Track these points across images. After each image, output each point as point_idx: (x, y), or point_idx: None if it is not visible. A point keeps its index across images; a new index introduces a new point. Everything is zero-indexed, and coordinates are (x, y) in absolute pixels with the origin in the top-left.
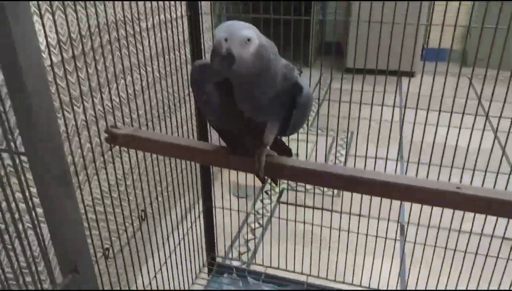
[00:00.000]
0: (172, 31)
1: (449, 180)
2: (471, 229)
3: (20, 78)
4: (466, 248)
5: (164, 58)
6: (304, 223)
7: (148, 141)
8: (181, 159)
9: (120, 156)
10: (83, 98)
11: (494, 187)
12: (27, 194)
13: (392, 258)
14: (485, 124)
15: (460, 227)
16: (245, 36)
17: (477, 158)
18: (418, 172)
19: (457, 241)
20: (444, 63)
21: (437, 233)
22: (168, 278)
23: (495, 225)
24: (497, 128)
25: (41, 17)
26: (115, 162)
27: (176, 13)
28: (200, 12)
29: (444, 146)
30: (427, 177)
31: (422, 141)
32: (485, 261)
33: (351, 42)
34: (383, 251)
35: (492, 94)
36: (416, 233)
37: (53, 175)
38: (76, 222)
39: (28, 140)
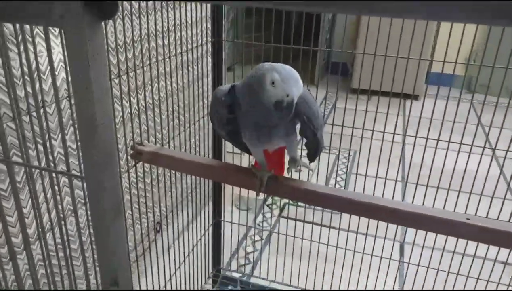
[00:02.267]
0: (197, 50)
1: (445, 202)
2: (475, 253)
3: (91, 94)
4: (468, 273)
5: (188, 71)
6: (302, 239)
7: (171, 159)
8: (198, 176)
9: (142, 171)
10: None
11: (488, 209)
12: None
13: (386, 277)
14: (483, 150)
15: (465, 250)
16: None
17: (473, 182)
18: (415, 193)
19: (459, 266)
20: (447, 88)
21: (431, 254)
22: (176, 288)
23: (499, 250)
24: (493, 152)
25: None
26: (136, 176)
27: (202, 39)
28: (224, 39)
29: (451, 170)
30: (423, 198)
31: (421, 163)
32: (486, 286)
33: (357, 65)
34: (378, 270)
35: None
36: (411, 254)
37: (108, 200)
38: (122, 240)
39: (89, 164)
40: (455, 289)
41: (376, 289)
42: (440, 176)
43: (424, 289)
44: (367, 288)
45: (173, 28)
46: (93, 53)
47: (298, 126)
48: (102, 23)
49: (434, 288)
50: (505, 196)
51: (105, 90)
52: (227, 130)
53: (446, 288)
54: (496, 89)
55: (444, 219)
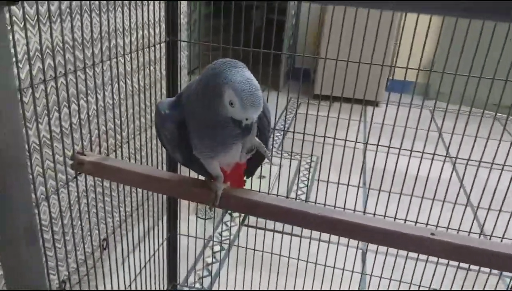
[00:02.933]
0: (149, 51)
1: (408, 208)
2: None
3: None
4: (431, 283)
5: (138, 75)
6: (263, 251)
7: (117, 171)
8: (148, 190)
9: (83, 179)
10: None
11: (451, 215)
12: None
13: (349, 287)
14: (445, 159)
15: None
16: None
17: (436, 188)
18: (378, 199)
19: (422, 276)
20: (408, 95)
21: (394, 262)
22: None
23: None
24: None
25: (13, 32)
26: (75, 186)
27: (155, 38)
28: (179, 38)
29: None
30: (387, 205)
31: (384, 168)
32: None
33: (319, 71)
34: (340, 281)
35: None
36: (373, 264)
37: (20, 225)
38: (39, 274)
39: None
40: None
41: None
42: (403, 183)
43: None
44: None
45: (128, 28)
46: None
47: None
48: (6, 9)
49: None
50: (467, 204)
51: (9, 86)
52: (182, 152)
53: None
54: (453, 97)
55: (405, 234)
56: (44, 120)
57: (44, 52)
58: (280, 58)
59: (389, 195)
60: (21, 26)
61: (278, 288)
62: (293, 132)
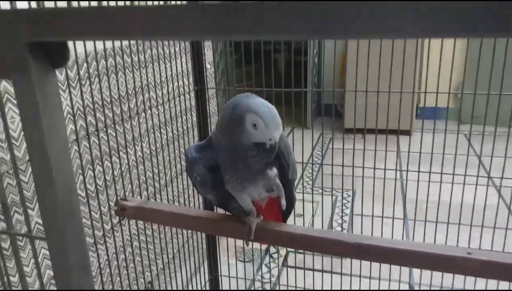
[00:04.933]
0: (180, 100)
1: (457, 238)
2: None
3: (46, 156)
4: None
5: (171, 124)
6: (314, 289)
7: (158, 212)
8: (186, 228)
9: (127, 226)
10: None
11: (504, 243)
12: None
13: None
14: (482, 181)
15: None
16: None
17: (483, 214)
18: (425, 230)
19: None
20: (438, 121)
21: None
22: None
23: (510, 285)
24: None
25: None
26: (120, 232)
27: (184, 87)
28: (206, 87)
29: (441, 203)
30: (434, 235)
31: (421, 198)
32: None
33: (348, 106)
34: None
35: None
36: None
37: (73, 261)
38: None
39: (49, 225)
40: None
41: None
42: (449, 211)
43: None
44: None
45: (159, 82)
46: (45, 103)
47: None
48: (56, 71)
49: None
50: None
51: (62, 142)
52: (215, 192)
53: None
54: (488, 119)
55: (443, 255)
56: (88, 173)
57: (85, 110)
58: (306, 97)
59: (436, 225)
60: (64, 88)
61: None
62: (331, 165)
